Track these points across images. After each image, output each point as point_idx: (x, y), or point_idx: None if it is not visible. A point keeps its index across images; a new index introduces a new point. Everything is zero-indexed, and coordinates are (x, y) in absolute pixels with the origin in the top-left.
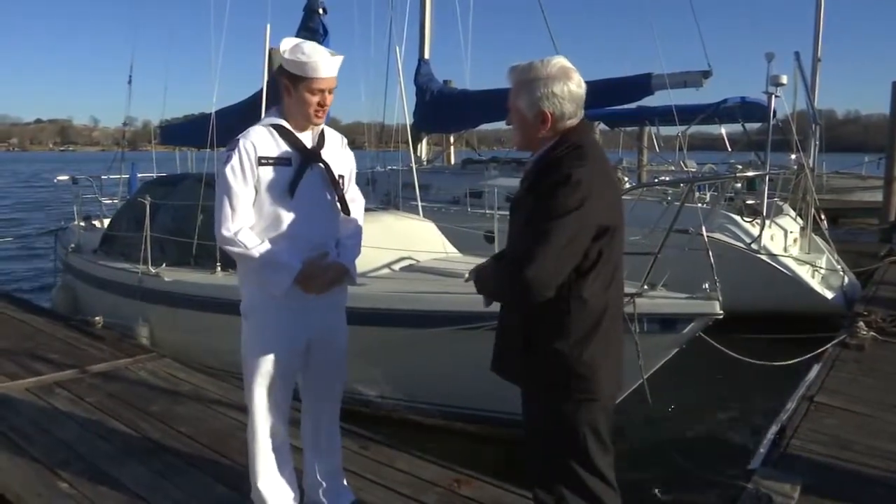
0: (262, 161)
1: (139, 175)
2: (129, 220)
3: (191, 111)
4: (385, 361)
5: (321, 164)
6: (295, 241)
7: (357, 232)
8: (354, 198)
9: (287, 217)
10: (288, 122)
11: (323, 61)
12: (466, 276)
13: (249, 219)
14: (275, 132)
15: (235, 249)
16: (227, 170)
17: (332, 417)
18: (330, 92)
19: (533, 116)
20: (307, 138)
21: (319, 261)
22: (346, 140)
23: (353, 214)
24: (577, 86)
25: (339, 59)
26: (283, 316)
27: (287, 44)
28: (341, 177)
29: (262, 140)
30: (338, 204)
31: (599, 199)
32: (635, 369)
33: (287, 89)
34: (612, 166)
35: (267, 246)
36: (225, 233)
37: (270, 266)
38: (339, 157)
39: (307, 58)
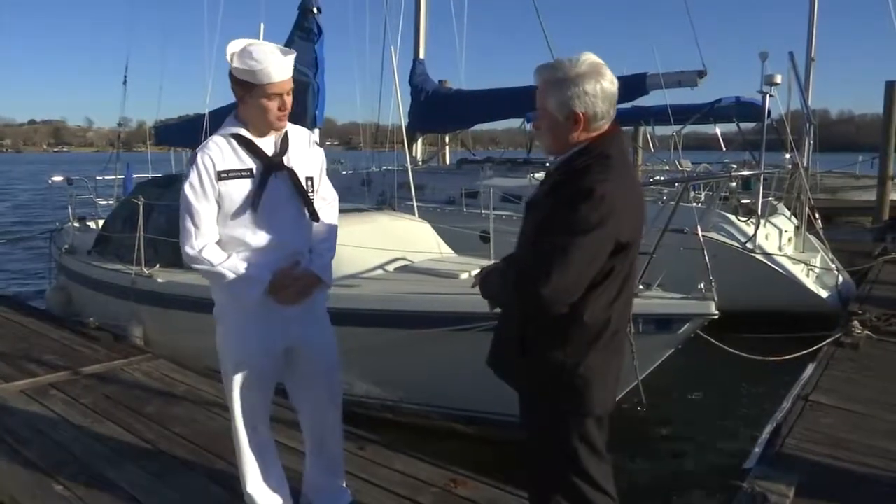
0: (221, 175)
1: (134, 175)
2: (123, 221)
3: (186, 111)
4: (377, 362)
5: (285, 171)
6: (264, 252)
7: (330, 235)
8: (326, 196)
9: (253, 229)
10: (247, 128)
11: (275, 65)
12: (474, 281)
13: (214, 234)
14: (234, 142)
15: (202, 267)
16: (187, 187)
17: (334, 424)
18: (288, 94)
19: (564, 118)
20: (269, 144)
21: (290, 271)
22: (313, 136)
23: (325, 216)
24: (609, 83)
25: (292, 58)
26: (253, 321)
27: (234, 47)
28: (309, 179)
29: (220, 153)
30: (306, 211)
31: (621, 216)
32: (630, 370)
33: (241, 98)
34: (637, 177)
35: (234, 260)
36: (189, 251)
37: (239, 280)
38: (306, 157)
39: (258, 64)
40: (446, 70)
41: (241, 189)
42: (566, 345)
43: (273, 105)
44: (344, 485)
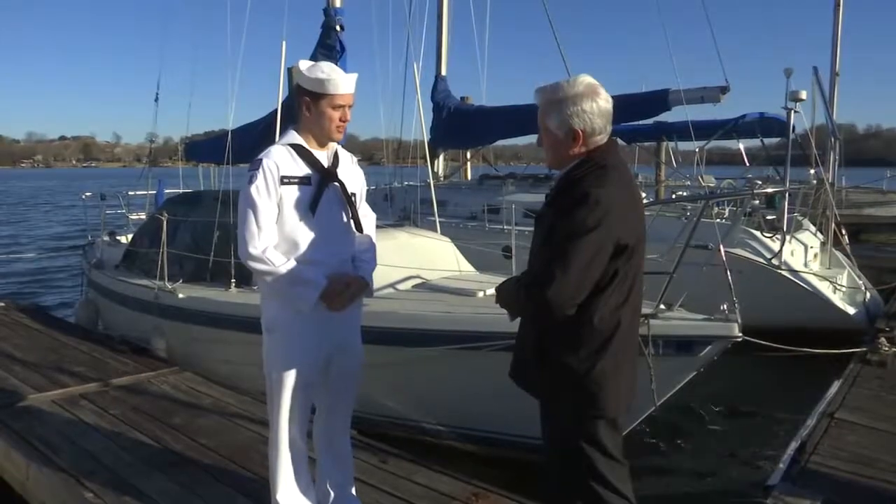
0: (284, 180)
1: (166, 191)
2: (150, 236)
3: (212, 128)
4: (389, 380)
5: (337, 184)
6: (315, 258)
7: (371, 247)
8: (366, 213)
9: (307, 235)
10: (305, 141)
11: (342, 78)
12: (495, 297)
13: (274, 237)
14: (293, 152)
15: (263, 267)
16: (252, 189)
17: (344, 424)
18: (349, 107)
19: (564, 135)
20: (323, 157)
21: (343, 277)
22: (356, 158)
23: (366, 230)
24: (605, 101)
25: (355, 76)
26: (306, 330)
27: (304, 64)
28: (353, 194)
29: (283, 160)
30: (352, 222)
31: (619, 219)
32: (648, 394)
33: (307, 107)
34: (636, 186)
35: (293, 264)
36: (252, 251)
37: (297, 283)
38: (352, 174)
39: (326, 76)
40: (468, 86)
41: (300, 195)
42: (579, 349)
43: (336, 115)
44: (354, 493)
